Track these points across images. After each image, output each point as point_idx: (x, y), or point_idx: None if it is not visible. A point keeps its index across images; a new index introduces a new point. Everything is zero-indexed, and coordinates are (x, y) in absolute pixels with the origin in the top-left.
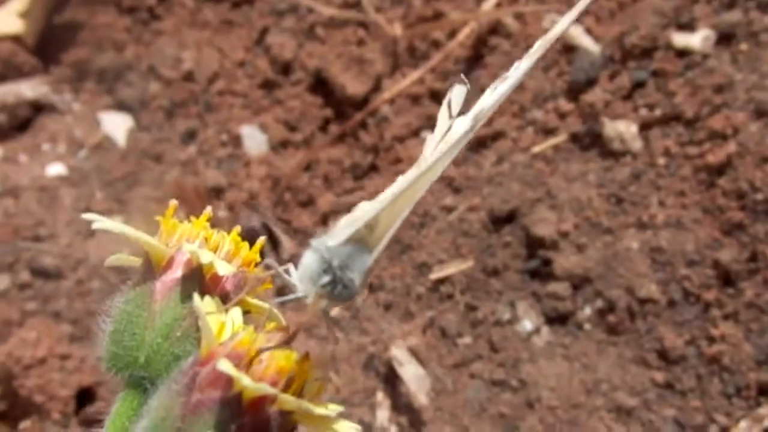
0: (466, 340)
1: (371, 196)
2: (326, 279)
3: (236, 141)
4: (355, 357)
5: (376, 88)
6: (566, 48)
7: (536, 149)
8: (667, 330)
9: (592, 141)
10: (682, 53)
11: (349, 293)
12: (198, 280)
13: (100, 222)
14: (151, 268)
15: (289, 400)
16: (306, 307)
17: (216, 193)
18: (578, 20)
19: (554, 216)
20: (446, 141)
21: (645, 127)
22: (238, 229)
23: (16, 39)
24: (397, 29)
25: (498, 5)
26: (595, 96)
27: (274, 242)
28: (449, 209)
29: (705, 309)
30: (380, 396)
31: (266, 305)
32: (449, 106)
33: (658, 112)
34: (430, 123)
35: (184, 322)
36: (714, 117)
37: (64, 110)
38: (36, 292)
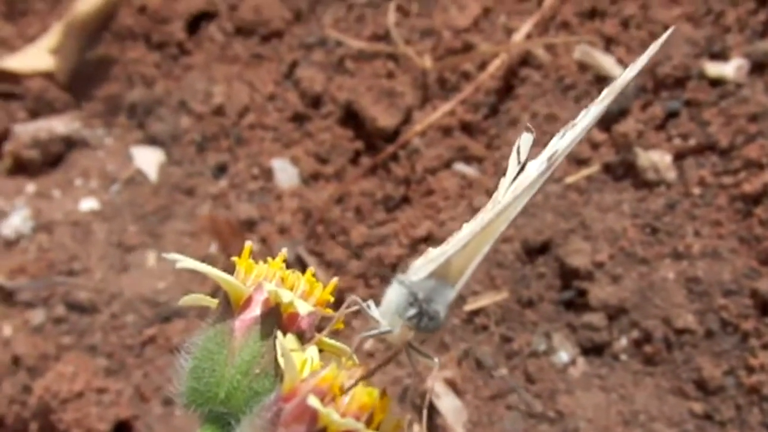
0: (502, 371)
1: (404, 228)
2: (413, 311)
3: (267, 174)
4: (390, 389)
5: (407, 120)
6: (598, 79)
7: (570, 180)
8: (704, 360)
9: (625, 171)
10: (716, 83)
11: (435, 324)
12: (276, 318)
13: (182, 261)
14: (230, 307)
15: None
16: (391, 342)
17: (248, 226)
18: (609, 51)
19: (589, 246)
20: (520, 183)
21: (679, 156)
22: (312, 270)
23: (47, 75)
24: (427, 61)
25: (528, 37)
26: (628, 126)
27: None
28: None
29: (743, 339)
30: (416, 429)
31: (340, 344)
32: (518, 152)
33: (692, 142)
34: (462, 155)
35: (262, 359)
36: (749, 146)
37: (96, 145)
38: (71, 326)
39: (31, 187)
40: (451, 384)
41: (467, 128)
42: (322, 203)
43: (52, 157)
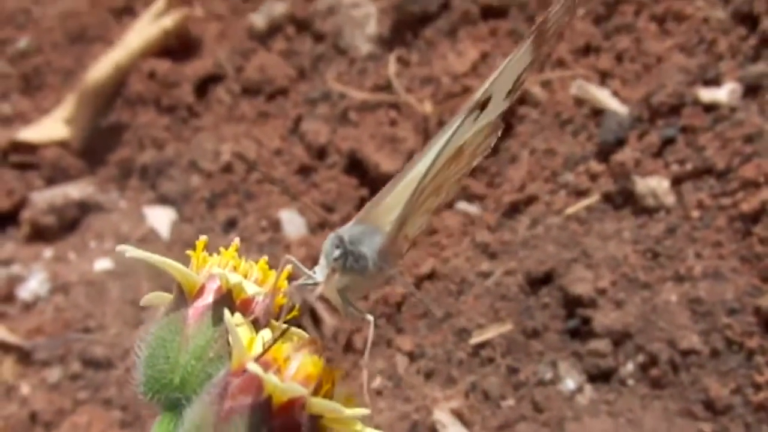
0: (510, 402)
1: (408, 267)
2: (338, 252)
3: (276, 226)
4: (398, 425)
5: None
6: (594, 112)
7: (570, 211)
8: (711, 380)
9: (624, 199)
10: (710, 108)
11: (360, 266)
12: (228, 304)
13: (131, 251)
14: (183, 297)
15: (317, 402)
16: (324, 294)
17: None
18: (605, 84)
19: (591, 274)
20: (446, 128)
21: (677, 181)
22: (265, 258)
23: (62, 144)
24: (427, 107)
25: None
26: (625, 155)
27: (315, 319)
28: (486, 275)
29: (748, 357)
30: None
31: (295, 329)
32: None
33: (689, 167)
34: (464, 194)
35: (216, 344)
36: (745, 166)
37: (110, 208)
38: (87, 381)
39: (48, 252)
40: (458, 415)
41: None
42: None
43: (68, 222)
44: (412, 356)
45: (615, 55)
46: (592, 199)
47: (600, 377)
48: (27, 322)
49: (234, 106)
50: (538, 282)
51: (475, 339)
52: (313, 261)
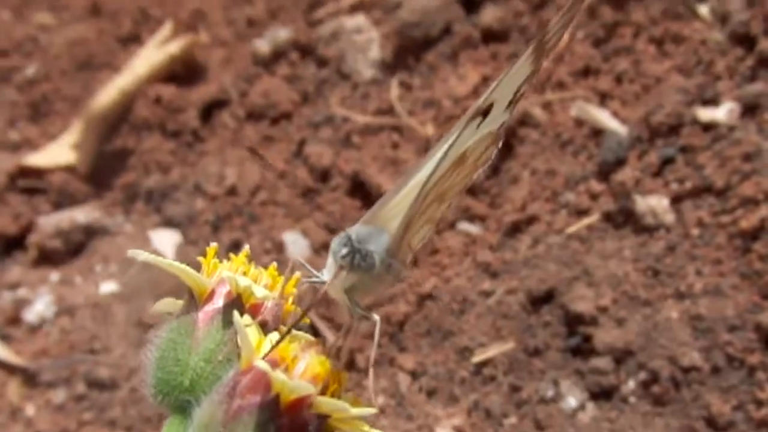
0: (512, 420)
1: (411, 286)
2: (345, 251)
3: (279, 247)
4: None
5: None
6: (594, 132)
7: (571, 230)
8: (713, 397)
9: (625, 218)
10: (708, 127)
11: (368, 264)
12: (238, 308)
13: (142, 255)
14: (194, 301)
15: (324, 401)
16: (331, 294)
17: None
18: (604, 105)
19: (592, 293)
20: (448, 136)
21: (676, 200)
22: (275, 264)
23: (69, 169)
24: (430, 129)
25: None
26: (625, 175)
27: (316, 336)
28: (487, 294)
29: (750, 373)
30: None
31: (303, 334)
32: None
33: (688, 185)
34: (466, 215)
35: (225, 346)
36: (744, 184)
37: (116, 232)
38: (92, 402)
39: (54, 275)
40: None
41: (470, 189)
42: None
43: (75, 246)
44: (414, 375)
45: (614, 77)
46: (593, 218)
47: (602, 395)
48: (33, 344)
49: (238, 131)
50: (540, 300)
51: (477, 357)
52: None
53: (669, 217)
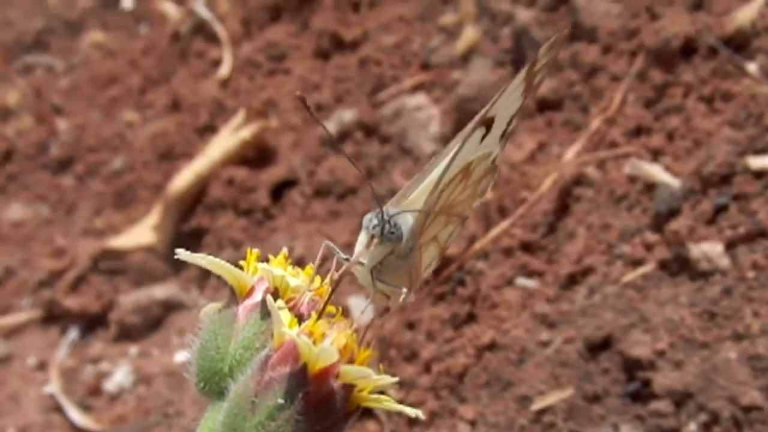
0: None
1: (470, 340)
2: (375, 221)
3: (345, 312)
4: None
5: (470, 247)
6: (647, 187)
7: (626, 279)
8: None
9: (680, 266)
10: (760, 174)
11: (396, 236)
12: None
13: (187, 256)
14: (235, 297)
15: (349, 369)
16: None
17: None
18: (657, 161)
19: (649, 338)
20: (460, 136)
21: (731, 245)
22: (311, 265)
23: (149, 249)
24: (488, 194)
25: (578, 155)
26: (678, 224)
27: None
28: (545, 343)
29: None
30: None
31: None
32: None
33: (742, 231)
34: (523, 271)
35: (263, 335)
36: None
37: (191, 306)
38: None
39: (133, 349)
40: None
41: (527, 247)
42: (395, 328)
43: (153, 321)
44: (474, 424)
45: (666, 134)
46: (648, 267)
47: None
48: (111, 412)
49: (306, 207)
50: (597, 347)
51: (537, 405)
52: (378, 340)
53: (724, 262)
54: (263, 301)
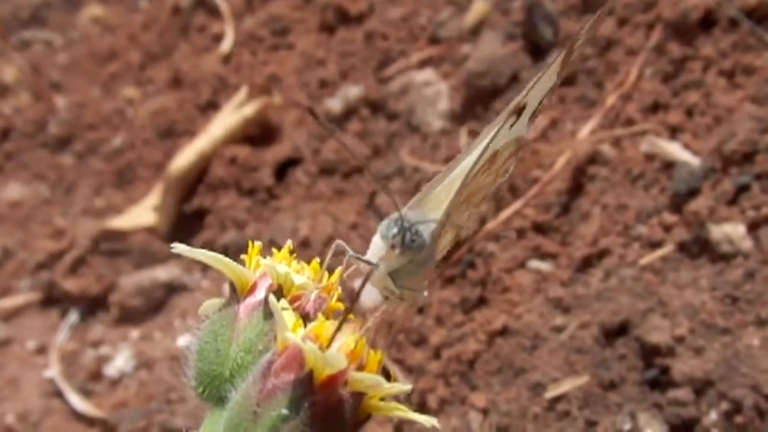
0: None
1: (481, 325)
2: (395, 230)
3: (351, 294)
4: None
5: (481, 229)
6: (665, 165)
7: (644, 262)
8: None
9: (700, 248)
10: None
11: (418, 244)
12: (278, 297)
13: (183, 249)
14: (236, 295)
15: (359, 377)
16: (378, 278)
17: None
18: (675, 138)
19: (668, 323)
20: (487, 132)
21: (753, 227)
22: (317, 259)
23: (150, 230)
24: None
25: (593, 134)
26: (698, 204)
27: (388, 379)
28: (559, 329)
29: None
30: None
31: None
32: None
33: (765, 211)
34: (536, 253)
35: (265, 337)
36: None
37: (194, 288)
38: None
39: (135, 333)
40: None
41: (540, 228)
42: (404, 313)
43: (155, 303)
44: (485, 412)
45: (684, 110)
46: (667, 249)
47: (682, 427)
48: (113, 397)
49: (311, 186)
50: (614, 333)
51: (551, 393)
52: (387, 325)
53: (746, 244)
54: (266, 300)
